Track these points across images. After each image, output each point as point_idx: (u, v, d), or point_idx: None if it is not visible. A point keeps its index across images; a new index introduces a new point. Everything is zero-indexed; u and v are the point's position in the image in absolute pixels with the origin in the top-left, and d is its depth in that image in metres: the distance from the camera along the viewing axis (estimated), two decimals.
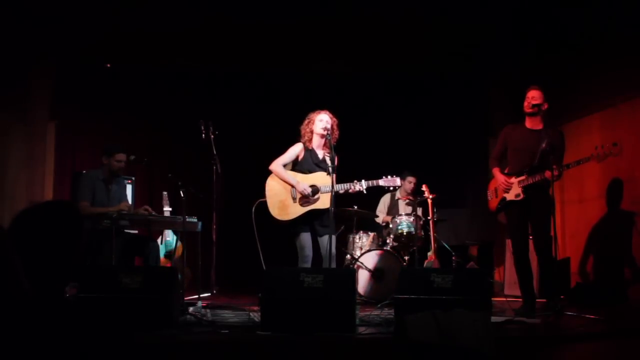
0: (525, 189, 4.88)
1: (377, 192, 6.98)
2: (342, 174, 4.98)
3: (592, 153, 4.76)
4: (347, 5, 6.32)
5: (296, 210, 4.82)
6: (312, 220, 4.85)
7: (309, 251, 4.84)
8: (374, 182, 4.90)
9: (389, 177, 4.95)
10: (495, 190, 5.17)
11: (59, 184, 6.91)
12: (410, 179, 6.85)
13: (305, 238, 4.84)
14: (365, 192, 4.91)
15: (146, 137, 7.77)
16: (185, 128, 6.80)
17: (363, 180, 4.87)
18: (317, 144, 4.98)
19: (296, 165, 4.99)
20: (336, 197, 4.67)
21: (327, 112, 4.96)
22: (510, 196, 4.97)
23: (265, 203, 4.89)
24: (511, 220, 5.06)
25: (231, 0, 6.27)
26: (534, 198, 4.86)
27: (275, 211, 4.83)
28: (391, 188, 5.10)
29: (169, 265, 6.36)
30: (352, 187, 4.84)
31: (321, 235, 4.88)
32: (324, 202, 4.77)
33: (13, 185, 6.35)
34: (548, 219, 4.80)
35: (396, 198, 7.06)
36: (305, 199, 4.82)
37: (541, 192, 4.85)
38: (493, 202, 5.20)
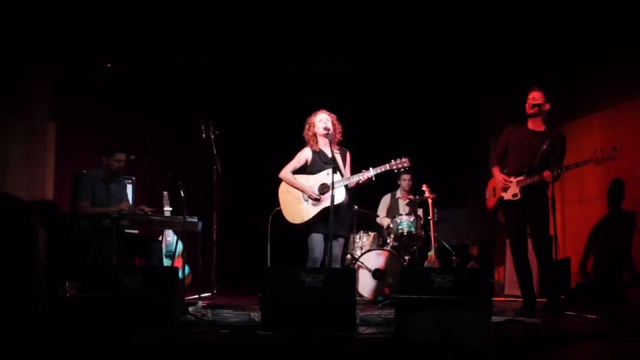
0: (523, 189, 4.88)
1: (378, 192, 7.02)
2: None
3: (590, 156, 4.76)
4: (348, 5, 6.33)
5: (310, 212, 4.85)
6: (327, 219, 4.78)
7: (319, 254, 4.83)
8: (382, 167, 4.81)
9: (398, 159, 4.82)
10: (494, 189, 5.17)
11: (59, 183, 6.90)
12: (405, 176, 6.86)
13: (317, 239, 4.84)
14: (374, 178, 4.82)
15: (146, 137, 7.76)
16: (185, 128, 6.80)
17: (371, 168, 4.82)
18: (323, 143, 5.01)
19: (307, 168, 5.03)
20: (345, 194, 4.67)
21: (324, 111, 4.99)
22: (507, 195, 4.97)
23: (280, 211, 4.96)
24: (509, 220, 5.07)
25: (232, 0, 6.28)
26: (531, 198, 4.86)
27: (289, 216, 4.90)
28: (399, 169, 4.91)
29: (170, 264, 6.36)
30: (362, 177, 4.80)
31: (334, 237, 4.81)
32: (336, 197, 4.75)
33: (13, 185, 6.35)
34: (546, 219, 4.80)
35: (396, 197, 7.07)
36: (317, 199, 4.84)
37: (538, 193, 4.85)
38: (490, 201, 5.21)
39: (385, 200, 7.11)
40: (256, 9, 6.49)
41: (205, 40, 7.02)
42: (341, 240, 4.97)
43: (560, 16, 6.28)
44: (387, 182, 6.88)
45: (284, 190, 4.98)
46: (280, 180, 5.03)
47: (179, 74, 7.51)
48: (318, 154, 4.99)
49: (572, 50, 6.51)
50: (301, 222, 4.86)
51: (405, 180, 6.90)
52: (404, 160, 4.82)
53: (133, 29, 6.68)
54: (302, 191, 4.90)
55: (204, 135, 5.31)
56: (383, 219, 6.94)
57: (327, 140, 4.95)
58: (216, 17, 6.61)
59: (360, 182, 4.83)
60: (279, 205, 4.99)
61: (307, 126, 5.03)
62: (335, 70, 7.56)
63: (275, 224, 4.99)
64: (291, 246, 5.28)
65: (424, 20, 6.70)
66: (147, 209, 5.34)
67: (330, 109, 5.04)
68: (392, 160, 4.83)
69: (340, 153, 4.97)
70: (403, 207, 6.95)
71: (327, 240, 4.82)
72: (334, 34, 6.94)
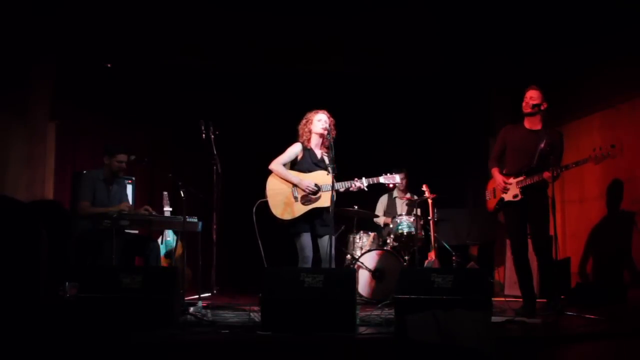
0: (524, 190, 4.88)
1: (377, 192, 7.02)
2: (342, 173, 4.98)
3: (589, 155, 4.76)
4: (348, 5, 6.33)
5: (298, 209, 4.82)
6: (313, 220, 4.85)
7: (309, 252, 4.83)
8: (374, 179, 4.89)
9: (389, 174, 4.95)
10: (494, 190, 5.17)
11: (59, 183, 6.90)
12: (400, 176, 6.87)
13: (306, 239, 4.84)
14: (366, 189, 4.89)
15: (146, 137, 7.76)
16: (185, 128, 6.80)
17: (364, 178, 4.86)
18: (315, 143, 4.99)
19: (295, 165, 4.99)
20: (337, 197, 4.67)
21: (325, 112, 4.97)
22: (508, 197, 4.97)
23: (266, 203, 4.89)
24: (509, 220, 5.06)
25: (231, 0, 6.28)
26: (531, 199, 4.86)
27: (277, 210, 4.83)
28: (391, 185, 5.07)
29: (169, 265, 6.36)
30: (353, 184, 4.83)
31: (321, 236, 4.88)
32: (325, 200, 4.77)
33: (13, 186, 6.34)
34: (546, 219, 4.81)
35: (394, 197, 7.08)
36: (306, 198, 4.82)
37: (539, 193, 4.85)
38: (491, 203, 5.20)
39: (383, 200, 7.13)
40: (256, 9, 6.49)
41: (205, 40, 7.02)
42: (332, 239, 4.95)
43: (560, 16, 6.28)
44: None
45: (273, 183, 4.90)
46: (269, 172, 4.95)
47: (179, 74, 7.51)
48: (309, 152, 4.98)
49: (572, 50, 6.51)
50: (288, 218, 4.81)
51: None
52: (395, 176, 4.94)
53: (133, 29, 6.68)
54: (296, 185, 4.84)
55: (204, 135, 5.29)
56: (380, 218, 6.96)
57: (319, 141, 4.97)
58: (216, 17, 6.60)
59: (351, 189, 4.84)
60: (264, 197, 4.89)
61: (304, 120, 5.01)
62: (335, 71, 7.56)
63: (269, 218, 4.92)
64: (287, 241, 5.23)
65: (425, 20, 6.70)
66: (152, 210, 5.35)
67: (330, 109, 5.03)
68: (384, 174, 4.93)
69: (328, 156, 4.95)
70: (401, 206, 6.97)
71: (314, 239, 4.87)
72: (335, 34, 6.95)
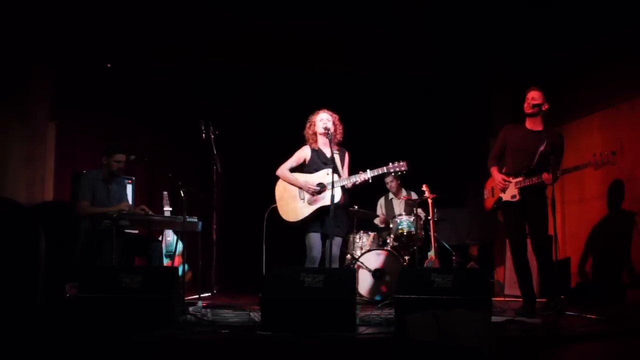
0: (522, 191, 4.87)
1: (376, 193, 7.02)
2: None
3: (589, 160, 4.74)
4: (348, 5, 6.33)
5: (306, 210, 4.86)
6: (323, 218, 4.84)
7: (317, 253, 4.84)
8: (379, 169, 4.81)
9: (395, 162, 4.83)
10: (492, 189, 5.16)
11: (59, 183, 6.90)
12: (388, 179, 6.90)
13: (315, 239, 4.85)
14: (370, 180, 4.83)
15: (146, 137, 7.76)
16: (185, 128, 6.80)
17: (368, 170, 4.82)
18: (322, 143, 5.02)
19: (305, 167, 5.04)
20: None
21: (326, 110, 5.00)
22: (506, 196, 4.97)
23: (275, 209, 4.97)
24: (508, 220, 5.06)
25: (231, 1, 6.29)
26: (529, 199, 4.86)
27: (285, 214, 4.90)
28: (396, 172, 4.93)
29: (170, 265, 6.36)
30: (358, 178, 4.80)
31: (329, 236, 4.84)
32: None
33: (13, 185, 6.34)
34: (545, 219, 4.81)
35: (390, 198, 7.08)
36: (313, 198, 4.84)
37: (537, 194, 4.85)
38: (489, 202, 5.20)
39: (381, 203, 7.15)
40: (255, 9, 6.49)
41: (205, 41, 7.02)
42: (338, 240, 4.96)
43: (560, 16, 6.28)
44: (383, 183, 6.90)
45: (280, 188, 5.00)
46: (277, 178, 5.04)
47: (179, 74, 7.51)
48: (317, 153, 5.00)
49: (572, 50, 6.51)
50: (296, 220, 4.87)
51: (388, 183, 6.93)
52: (401, 163, 4.83)
53: (133, 29, 6.68)
54: (299, 188, 4.91)
55: (204, 135, 5.30)
56: (377, 219, 6.97)
57: (326, 140, 4.97)
58: (216, 17, 6.60)
59: (357, 183, 4.83)
60: (275, 203, 5.00)
61: (308, 124, 5.06)
62: (335, 70, 7.56)
63: (273, 222, 4.99)
64: (289, 245, 5.28)
65: (425, 20, 6.70)
66: (148, 210, 5.35)
67: (331, 109, 5.05)
68: (390, 163, 4.85)
69: (339, 153, 4.99)
70: (398, 207, 6.97)
71: (324, 239, 4.85)
72: (335, 35, 6.95)
